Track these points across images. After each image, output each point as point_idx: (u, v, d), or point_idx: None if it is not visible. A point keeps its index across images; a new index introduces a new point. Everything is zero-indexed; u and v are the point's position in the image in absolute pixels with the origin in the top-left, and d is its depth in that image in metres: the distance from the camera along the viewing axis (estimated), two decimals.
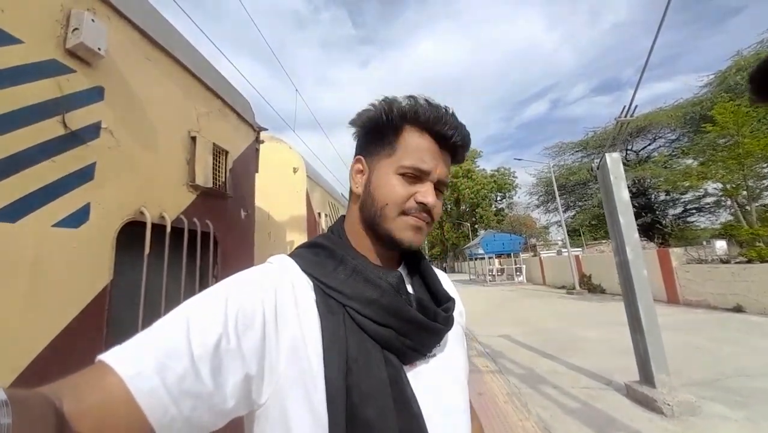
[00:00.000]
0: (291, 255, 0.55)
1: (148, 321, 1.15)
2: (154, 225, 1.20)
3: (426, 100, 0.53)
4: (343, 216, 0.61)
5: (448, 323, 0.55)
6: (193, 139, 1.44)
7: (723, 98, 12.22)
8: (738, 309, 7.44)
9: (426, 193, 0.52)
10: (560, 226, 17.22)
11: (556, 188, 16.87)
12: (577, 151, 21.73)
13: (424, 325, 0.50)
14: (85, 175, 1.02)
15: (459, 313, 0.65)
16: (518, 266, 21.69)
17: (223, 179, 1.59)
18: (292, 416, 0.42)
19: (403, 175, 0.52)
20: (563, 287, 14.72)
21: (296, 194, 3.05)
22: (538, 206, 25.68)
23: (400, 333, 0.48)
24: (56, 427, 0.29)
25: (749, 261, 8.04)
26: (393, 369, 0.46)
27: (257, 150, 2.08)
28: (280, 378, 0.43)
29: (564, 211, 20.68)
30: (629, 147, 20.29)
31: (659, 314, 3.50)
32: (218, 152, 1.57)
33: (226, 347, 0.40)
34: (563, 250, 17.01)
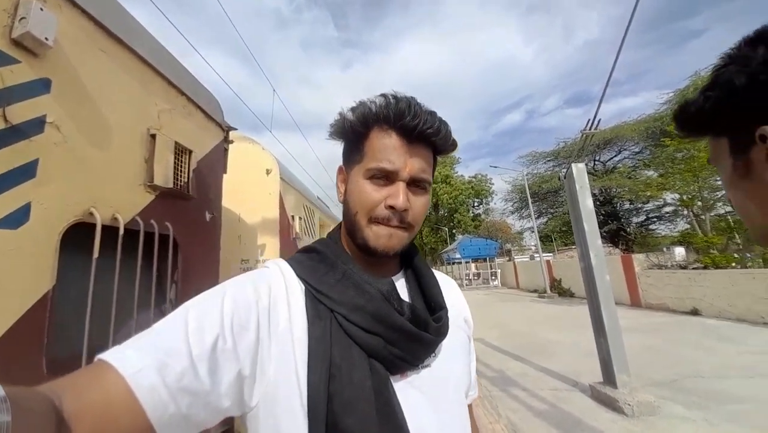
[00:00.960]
0: (288, 259, 0.55)
1: (96, 327, 1.08)
2: (105, 227, 1.13)
3: (392, 96, 0.51)
4: (341, 222, 0.61)
5: (440, 333, 0.53)
6: (153, 136, 1.37)
7: None
8: (695, 312, 7.93)
9: (395, 195, 0.49)
10: (533, 232, 17.82)
11: (529, 195, 17.47)
12: (549, 160, 22.62)
13: (413, 334, 0.49)
14: (26, 172, 0.95)
15: (464, 321, 0.63)
16: (493, 270, 22.21)
17: (186, 180, 1.52)
18: (280, 420, 0.42)
19: (371, 178, 0.50)
20: (535, 291, 15.20)
21: (269, 197, 2.98)
22: (512, 212, 26.50)
23: (388, 341, 0.47)
24: (56, 425, 0.29)
25: (705, 267, 8.62)
26: (378, 378, 0.45)
27: (226, 150, 2.02)
28: (270, 382, 0.43)
29: (537, 218, 21.43)
30: (597, 158, 21.36)
31: (622, 317, 3.67)
32: (181, 151, 1.50)
33: (223, 347, 0.41)
34: (536, 255, 17.60)
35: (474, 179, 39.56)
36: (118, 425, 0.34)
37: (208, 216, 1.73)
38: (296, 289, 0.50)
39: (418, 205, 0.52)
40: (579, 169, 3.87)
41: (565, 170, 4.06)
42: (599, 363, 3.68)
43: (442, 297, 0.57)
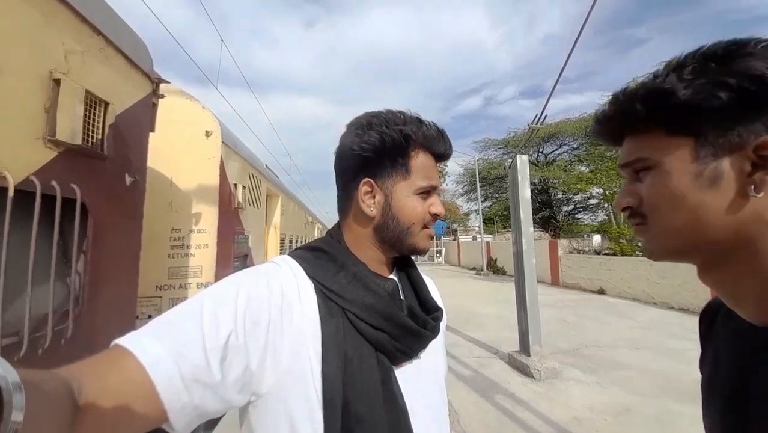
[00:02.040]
0: (293, 256, 0.58)
1: None
2: None
3: (418, 119, 0.59)
4: (338, 223, 0.64)
5: (435, 330, 0.60)
6: (57, 82, 1.16)
7: None
8: (601, 292, 9.25)
9: (437, 205, 0.60)
10: (478, 214, 18.96)
11: (478, 180, 18.37)
12: (499, 148, 23.79)
13: (414, 331, 0.55)
14: None
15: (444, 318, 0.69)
16: (439, 248, 23.38)
17: (100, 136, 1.33)
18: (292, 409, 0.46)
19: (420, 194, 0.58)
20: (473, 269, 16.42)
21: (208, 161, 2.73)
22: (462, 195, 27.71)
23: (393, 337, 0.53)
24: (72, 409, 0.30)
25: (614, 254, 9.99)
26: (384, 369, 0.51)
27: (154, 105, 1.78)
28: (284, 373, 0.47)
29: (483, 201, 22.72)
30: (541, 150, 22.94)
31: (543, 294, 4.15)
32: (94, 102, 1.29)
33: (235, 342, 0.43)
34: (478, 236, 18.81)
35: None
36: (134, 411, 0.36)
37: (128, 179, 1.55)
38: (307, 287, 0.53)
39: None
40: (522, 161, 4.14)
41: (511, 159, 4.31)
42: (518, 334, 4.15)
43: (433, 298, 0.64)
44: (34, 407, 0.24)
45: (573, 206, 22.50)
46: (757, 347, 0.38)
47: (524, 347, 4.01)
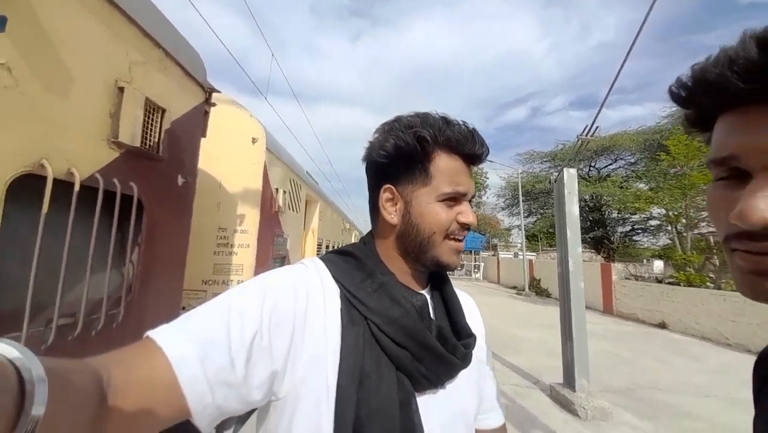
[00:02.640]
0: (323, 259, 0.56)
1: (40, 284, 1.03)
2: (59, 181, 1.06)
3: (444, 119, 0.54)
4: (370, 232, 0.62)
5: (466, 359, 0.54)
6: (121, 90, 1.28)
7: (679, 131, 13.15)
8: (662, 326, 8.24)
9: (467, 213, 0.54)
10: (521, 230, 18.04)
11: (521, 194, 17.56)
12: (545, 161, 22.66)
13: (440, 355, 0.50)
14: None
15: (482, 346, 0.65)
16: (477, 263, 22.56)
17: (157, 139, 1.44)
18: (303, 417, 0.45)
19: (445, 201, 0.53)
20: (514, 288, 15.55)
21: (253, 166, 2.89)
22: (503, 208, 26.73)
23: (416, 357, 0.49)
24: (97, 399, 0.30)
25: (678, 283, 8.90)
26: (405, 392, 0.47)
27: (206, 113, 1.91)
28: (298, 380, 0.45)
29: (526, 217, 21.65)
30: (593, 164, 21.46)
31: (593, 323, 3.77)
32: (152, 109, 1.41)
33: (259, 343, 0.43)
34: (520, 253, 17.87)
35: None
36: (158, 406, 0.36)
37: (180, 180, 1.66)
38: (333, 291, 0.51)
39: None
40: (570, 175, 3.86)
41: (558, 173, 4.04)
42: (562, 365, 3.80)
43: (467, 322, 0.59)
44: (56, 398, 0.24)
45: (630, 227, 20.62)
46: None
47: (569, 380, 3.66)
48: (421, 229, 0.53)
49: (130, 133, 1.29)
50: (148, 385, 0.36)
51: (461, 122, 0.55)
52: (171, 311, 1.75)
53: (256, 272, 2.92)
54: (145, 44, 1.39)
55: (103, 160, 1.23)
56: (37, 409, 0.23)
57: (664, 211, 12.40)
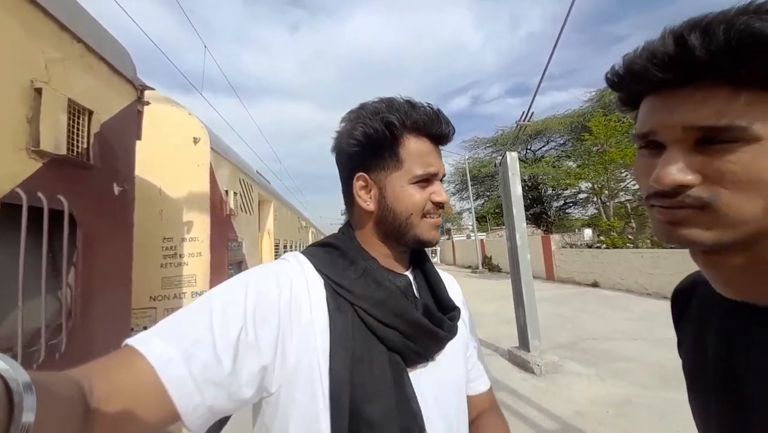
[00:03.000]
0: (304, 253, 0.56)
1: None
2: None
3: (409, 102, 0.55)
4: (348, 221, 0.62)
5: (452, 331, 0.57)
6: (38, 91, 1.13)
7: (599, 113, 14.78)
8: (595, 285, 9.35)
9: (440, 192, 0.56)
10: (471, 213, 19.07)
11: (469, 179, 18.50)
12: (488, 147, 24.02)
13: (428, 330, 0.52)
14: None
15: (465, 319, 0.67)
16: (434, 248, 23.44)
17: (86, 145, 1.29)
18: (300, 407, 0.45)
19: (417, 183, 0.54)
20: (469, 267, 16.48)
21: (197, 168, 2.70)
22: (454, 194, 27.88)
23: (405, 335, 0.50)
24: (82, 410, 0.30)
25: (606, 247, 10.12)
26: (397, 369, 0.49)
27: (140, 113, 1.75)
28: (290, 370, 0.45)
29: (475, 200, 22.91)
30: (529, 147, 23.24)
31: (539, 289, 4.17)
32: (77, 111, 1.26)
33: (245, 339, 0.43)
34: (472, 234, 18.90)
35: None
36: (146, 412, 0.35)
37: (116, 189, 1.51)
38: (316, 282, 0.52)
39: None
40: (512, 158, 4.17)
41: (501, 157, 4.34)
42: (517, 330, 4.17)
43: (450, 296, 0.61)
44: (44, 408, 0.24)
45: (563, 201, 22.82)
46: (756, 328, 0.37)
47: (523, 343, 4.03)
48: (398, 212, 0.55)
49: (53, 139, 1.15)
50: (132, 391, 0.35)
51: (426, 104, 0.56)
52: (119, 334, 1.61)
53: (212, 281, 2.76)
54: (63, 38, 1.23)
55: (24, 173, 1.09)
56: (27, 416, 0.23)
57: (590, 185, 13.94)
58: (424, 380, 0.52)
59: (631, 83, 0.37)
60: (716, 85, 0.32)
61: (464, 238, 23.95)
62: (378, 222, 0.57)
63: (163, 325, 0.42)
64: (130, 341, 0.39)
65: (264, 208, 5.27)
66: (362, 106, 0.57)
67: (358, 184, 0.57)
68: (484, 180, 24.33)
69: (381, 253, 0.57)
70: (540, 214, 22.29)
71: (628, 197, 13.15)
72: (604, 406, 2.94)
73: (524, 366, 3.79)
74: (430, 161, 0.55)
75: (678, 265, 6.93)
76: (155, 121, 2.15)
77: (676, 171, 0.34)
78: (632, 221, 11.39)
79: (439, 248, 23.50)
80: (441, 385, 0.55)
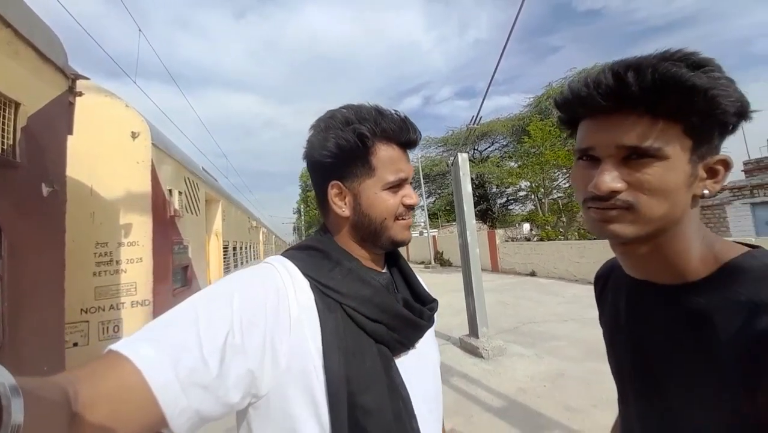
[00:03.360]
0: (285, 256, 0.57)
1: None
2: None
3: (377, 111, 0.57)
4: (323, 224, 0.64)
5: (431, 320, 0.62)
6: None
7: (536, 118, 16.21)
8: (533, 274, 10.28)
9: (411, 195, 0.59)
10: (424, 210, 19.72)
11: (421, 177, 19.10)
12: (439, 146, 25.01)
13: (410, 320, 0.56)
14: None
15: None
16: None
17: (11, 141, 1.15)
18: (294, 406, 0.46)
19: (391, 188, 0.57)
20: (422, 263, 17.05)
21: (136, 166, 2.47)
22: None
23: (390, 328, 0.53)
24: (68, 415, 0.30)
25: (541, 239, 11.18)
26: (385, 360, 0.52)
27: (71, 104, 1.58)
28: (283, 372, 0.46)
29: (427, 198, 23.69)
30: (476, 147, 24.65)
31: (485, 280, 4.49)
32: (2, 103, 1.12)
33: (232, 342, 0.42)
34: (424, 231, 19.55)
35: None
36: (132, 416, 0.35)
37: (45, 189, 1.35)
38: (303, 285, 0.53)
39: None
40: (463, 159, 4.44)
41: (452, 156, 4.58)
42: (467, 319, 4.46)
43: (426, 290, 0.66)
44: (31, 412, 0.24)
45: (506, 199, 24.61)
46: (655, 300, 0.49)
47: (473, 330, 4.33)
48: (373, 217, 0.57)
49: None
50: (118, 395, 0.35)
51: (393, 112, 0.59)
52: (53, 351, 1.45)
53: (155, 289, 2.55)
54: None
55: None
56: (16, 418, 0.22)
57: (528, 184, 15.26)
58: (406, 366, 0.56)
59: (577, 106, 0.46)
60: (641, 113, 0.41)
61: (417, 234, 24.71)
62: (354, 226, 0.59)
63: (148, 329, 0.41)
64: (114, 346, 0.38)
65: (211, 208, 4.96)
66: (332, 116, 0.58)
67: (332, 192, 0.58)
68: (435, 178, 25.28)
69: (360, 255, 0.60)
70: (486, 211, 23.83)
71: (559, 195, 14.66)
72: (541, 381, 3.30)
73: (474, 352, 4.08)
74: (401, 167, 0.58)
75: (600, 254, 7.93)
76: (88, 113, 1.94)
77: (610, 180, 0.43)
78: (563, 215, 12.73)
79: None
80: (421, 369, 0.59)
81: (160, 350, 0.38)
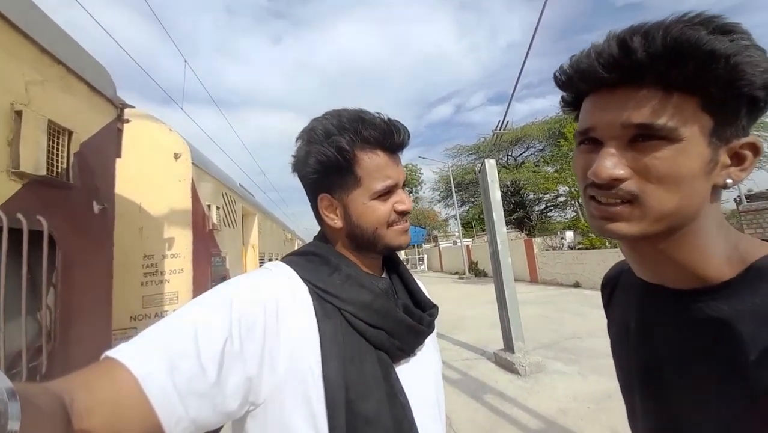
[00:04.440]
0: (285, 261, 0.57)
1: None
2: None
3: (359, 117, 0.55)
4: (322, 233, 0.63)
5: (431, 326, 0.60)
6: (18, 113, 1.14)
7: (574, 119, 15.40)
8: (576, 285, 9.60)
9: (402, 201, 0.57)
10: (456, 219, 19.34)
11: (453, 186, 18.83)
12: (471, 154, 24.55)
13: (411, 327, 0.55)
14: None
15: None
16: (421, 256, 23.56)
17: (65, 165, 1.30)
18: (292, 413, 0.45)
19: (379, 197, 0.55)
20: (456, 273, 16.62)
21: (178, 184, 2.69)
22: (439, 201, 28.23)
23: (390, 334, 0.52)
24: (64, 423, 0.29)
25: (585, 248, 10.46)
26: (385, 366, 0.51)
27: (120, 131, 1.76)
28: (280, 379, 0.45)
29: (459, 206, 23.23)
30: (510, 153, 23.87)
31: (523, 292, 4.28)
32: (57, 132, 1.27)
33: (230, 349, 0.42)
34: (458, 240, 19.13)
35: (405, 169, 40.85)
36: (128, 424, 0.35)
37: (96, 207, 1.51)
38: (302, 290, 0.52)
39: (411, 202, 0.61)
40: (490, 165, 4.33)
41: (480, 165, 4.49)
42: (501, 333, 4.25)
43: (426, 296, 0.65)
44: (26, 420, 0.24)
45: (544, 205, 23.43)
46: (671, 307, 0.44)
47: (508, 345, 4.11)
48: (364, 228, 0.56)
49: (33, 160, 1.16)
50: (114, 404, 0.34)
51: (376, 115, 0.56)
52: (100, 356, 1.59)
53: (195, 298, 2.73)
54: (42, 61, 1.25)
55: (3, 195, 1.09)
56: (13, 424, 0.22)
57: (568, 189, 14.45)
58: (406, 373, 0.54)
59: (578, 81, 0.40)
60: (652, 86, 0.35)
61: (451, 244, 24.22)
62: (348, 236, 0.58)
63: (144, 336, 0.41)
64: (110, 353, 0.38)
65: (248, 221, 5.24)
66: (313, 128, 0.56)
67: (322, 204, 0.58)
68: (468, 186, 24.78)
69: (358, 260, 0.59)
70: (522, 219, 22.83)
71: None
72: (585, 402, 3.04)
73: (509, 368, 3.87)
74: (388, 174, 0.56)
75: None
76: (136, 138, 2.16)
77: (612, 166, 0.37)
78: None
79: (426, 256, 23.65)
80: (421, 376, 0.57)
81: (157, 356, 0.38)
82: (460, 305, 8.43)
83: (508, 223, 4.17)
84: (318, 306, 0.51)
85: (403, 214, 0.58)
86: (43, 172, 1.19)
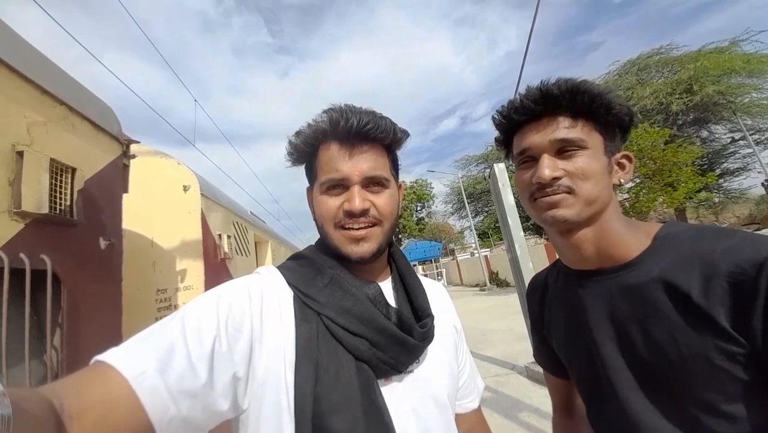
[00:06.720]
0: (278, 267, 0.56)
1: None
2: None
3: (327, 110, 0.54)
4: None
5: (425, 338, 0.53)
6: (20, 154, 1.16)
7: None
8: None
9: (350, 199, 0.51)
10: (472, 230, 19.04)
11: (465, 197, 18.67)
12: (480, 163, 24.46)
13: (397, 338, 0.49)
14: None
15: (453, 328, 0.65)
16: (439, 270, 23.15)
17: (69, 202, 1.31)
18: (267, 421, 0.44)
19: (327, 191, 0.52)
20: (477, 285, 16.19)
21: (188, 216, 2.72)
22: (452, 213, 28.01)
23: (373, 344, 0.48)
24: (54, 426, 0.29)
25: None
26: (365, 379, 0.46)
27: (126, 166, 1.79)
28: (259, 386, 0.44)
29: (474, 217, 22.95)
30: None
31: None
32: (60, 170, 1.29)
33: (219, 349, 0.42)
34: (475, 252, 18.76)
35: (415, 184, 41.10)
36: (119, 425, 0.34)
37: (103, 243, 1.51)
38: (287, 295, 0.51)
39: (381, 200, 0.53)
40: (500, 169, 4.23)
41: (489, 170, 4.40)
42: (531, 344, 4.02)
43: (429, 304, 0.58)
44: (16, 424, 0.24)
45: None
46: (583, 280, 0.58)
47: None
48: (317, 222, 0.55)
49: (36, 200, 1.17)
50: (105, 405, 0.34)
51: (336, 108, 0.53)
52: None
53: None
54: (45, 102, 1.28)
55: (5, 236, 1.09)
56: (4, 409, 0.22)
57: None
58: (399, 391, 0.50)
59: (514, 114, 0.57)
60: (564, 113, 0.53)
61: (468, 256, 23.73)
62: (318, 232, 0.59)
63: (134, 339, 0.41)
64: (99, 356, 0.38)
65: (261, 248, 5.26)
66: (299, 129, 0.57)
67: (308, 197, 0.59)
68: (480, 196, 24.55)
69: (345, 263, 0.55)
70: None
71: (624, 196, 13.22)
72: None
73: (543, 381, 3.61)
74: (335, 166, 0.52)
75: None
76: (145, 173, 2.21)
77: (551, 169, 0.52)
78: (631, 218, 11.34)
79: (444, 270, 23.19)
80: (418, 397, 0.51)
81: (147, 357, 0.38)
82: (483, 318, 8.12)
83: (525, 228, 4.02)
84: (299, 310, 0.49)
85: (350, 215, 0.51)
86: (46, 210, 1.19)
